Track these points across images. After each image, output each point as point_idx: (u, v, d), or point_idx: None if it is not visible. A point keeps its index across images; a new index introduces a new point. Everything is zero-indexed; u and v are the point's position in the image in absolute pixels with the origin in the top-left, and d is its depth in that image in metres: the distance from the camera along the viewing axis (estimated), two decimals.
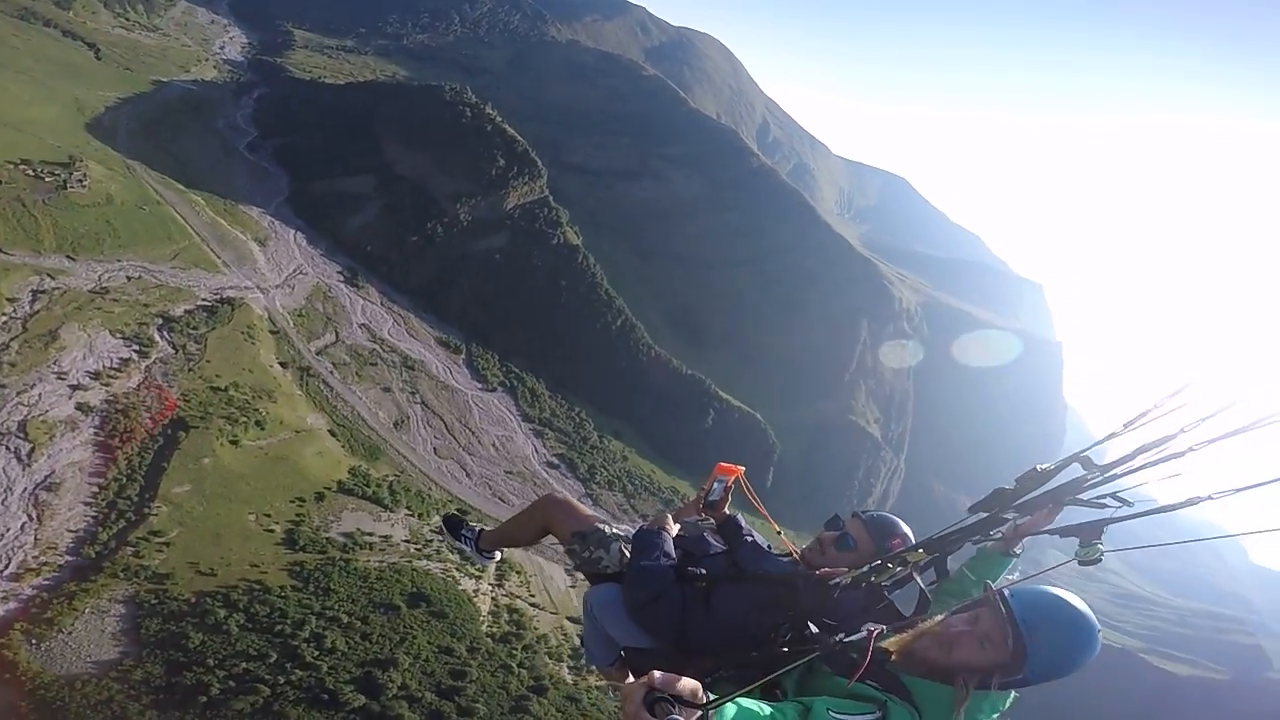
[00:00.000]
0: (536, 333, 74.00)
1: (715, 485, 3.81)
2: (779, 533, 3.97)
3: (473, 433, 62.09)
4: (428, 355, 66.07)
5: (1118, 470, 2.34)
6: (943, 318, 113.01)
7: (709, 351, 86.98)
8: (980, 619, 2.52)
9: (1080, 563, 2.43)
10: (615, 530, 3.88)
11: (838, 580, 2.99)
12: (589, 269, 79.63)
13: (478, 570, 48.74)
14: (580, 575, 3.99)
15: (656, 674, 1.75)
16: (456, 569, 47.40)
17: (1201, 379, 2.35)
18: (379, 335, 64.98)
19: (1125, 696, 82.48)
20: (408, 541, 47.87)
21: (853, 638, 2.53)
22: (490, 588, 48.78)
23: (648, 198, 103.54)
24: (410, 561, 45.80)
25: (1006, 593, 2.51)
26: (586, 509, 4.09)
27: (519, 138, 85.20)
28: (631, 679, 3.37)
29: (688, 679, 1.78)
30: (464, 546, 4.73)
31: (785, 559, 3.48)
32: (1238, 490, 2.19)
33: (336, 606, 38.36)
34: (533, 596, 50.26)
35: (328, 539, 44.12)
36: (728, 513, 3.90)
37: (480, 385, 66.60)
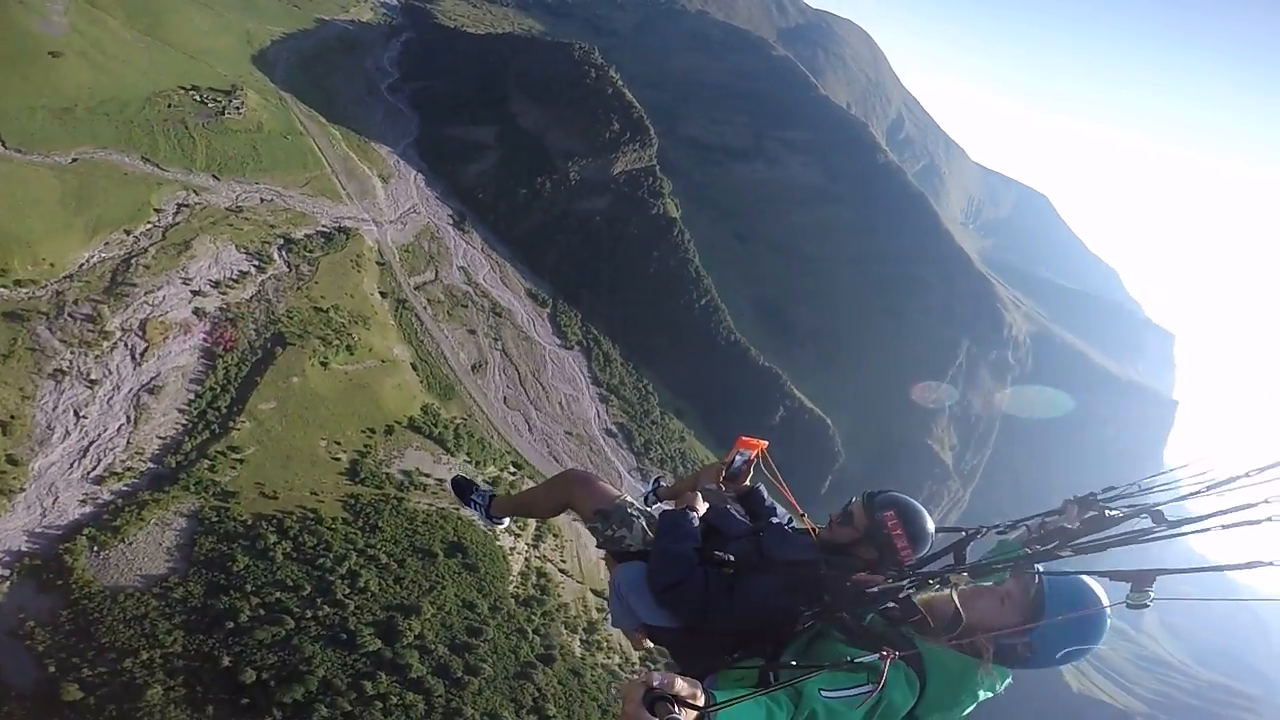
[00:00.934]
0: (621, 298, 70.77)
1: (737, 458, 3.65)
2: (802, 515, 3.61)
3: (543, 387, 60.50)
4: (516, 305, 64.77)
5: (1185, 530, 2.25)
6: (1054, 353, 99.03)
7: (792, 346, 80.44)
8: (1007, 582, 2.56)
9: (1129, 606, 2.29)
10: (640, 507, 3.74)
11: (873, 589, 2.80)
12: (683, 244, 74.81)
13: (518, 528, 47.55)
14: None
15: (656, 675, 1.68)
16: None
17: None
18: (474, 279, 64.23)
19: None
20: (482, 526, 46.96)
21: (866, 659, 2.26)
22: (526, 548, 47.24)
23: (758, 179, 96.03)
24: (457, 509, 44.85)
25: (1046, 575, 2.52)
26: (609, 485, 3.85)
27: (636, 104, 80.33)
28: (649, 645, 3.46)
29: (687, 679, 1.72)
30: (473, 511, 4.47)
31: (807, 541, 3.30)
32: None
33: (379, 545, 37.57)
34: (564, 563, 47.96)
35: (387, 475, 43.77)
36: (748, 485, 3.76)
37: (559, 342, 64.70)
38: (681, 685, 1.66)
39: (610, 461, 58.24)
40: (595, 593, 46.52)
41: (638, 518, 3.58)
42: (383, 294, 56.76)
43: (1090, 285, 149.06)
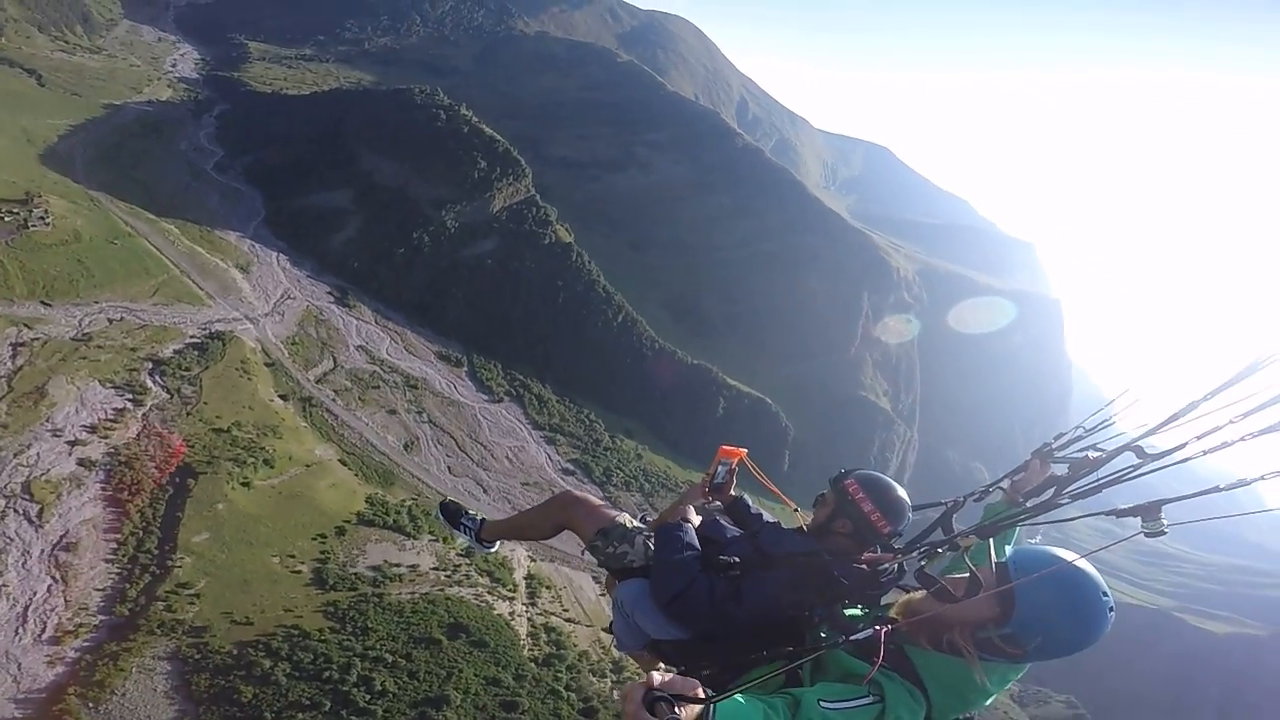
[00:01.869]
0: (537, 336, 73.20)
1: (719, 469, 3.86)
2: (795, 510, 4.04)
3: (484, 447, 61.41)
4: (429, 372, 65.04)
5: (1168, 460, 2.42)
6: (941, 284, 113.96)
7: (712, 339, 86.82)
8: (980, 570, 2.58)
9: (1146, 535, 2.39)
10: (637, 523, 3.93)
11: (884, 566, 3.07)
12: (584, 266, 78.83)
13: (509, 591, 48.90)
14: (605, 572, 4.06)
15: (656, 675, 1.78)
16: (489, 593, 47.24)
17: (1257, 366, 2.44)
18: (377, 356, 63.79)
19: (1163, 656, 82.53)
20: (436, 569, 47.44)
21: (860, 636, 2.47)
22: (524, 608, 48.61)
23: (635, 187, 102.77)
24: (442, 590, 45.40)
25: (1007, 548, 2.64)
26: (605, 504, 4.13)
27: (498, 137, 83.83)
28: (661, 665, 3.52)
29: (687, 678, 1.82)
30: (463, 536, 4.75)
31: (803, 535, 3.56)
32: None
33: (379, 646, 38.15)
34: (566, 611, 50.26)
35: (356, 574, 43.54)
36: (734, 494, 4.00)
37: (486, 397, 65.82)
38: (682, 685, 1.79)
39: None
40: (607, 631, 48.52)
41: (638, 534, 3.77)
42: (283, 397, 55.20)
43: (947, 218, 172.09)
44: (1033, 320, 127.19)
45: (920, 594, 2.74)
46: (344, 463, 52.59)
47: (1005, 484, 3.69)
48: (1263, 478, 2.20)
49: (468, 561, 49.29)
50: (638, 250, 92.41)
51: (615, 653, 47.16)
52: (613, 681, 44.99)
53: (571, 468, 64.16)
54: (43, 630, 32.74)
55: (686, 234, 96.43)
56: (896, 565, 3.10)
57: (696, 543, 3.46)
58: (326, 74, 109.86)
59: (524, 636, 45.17)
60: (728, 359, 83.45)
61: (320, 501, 47.87)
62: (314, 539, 44.56)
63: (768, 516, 3.91)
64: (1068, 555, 2.51)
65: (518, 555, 52.65)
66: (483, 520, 4.80)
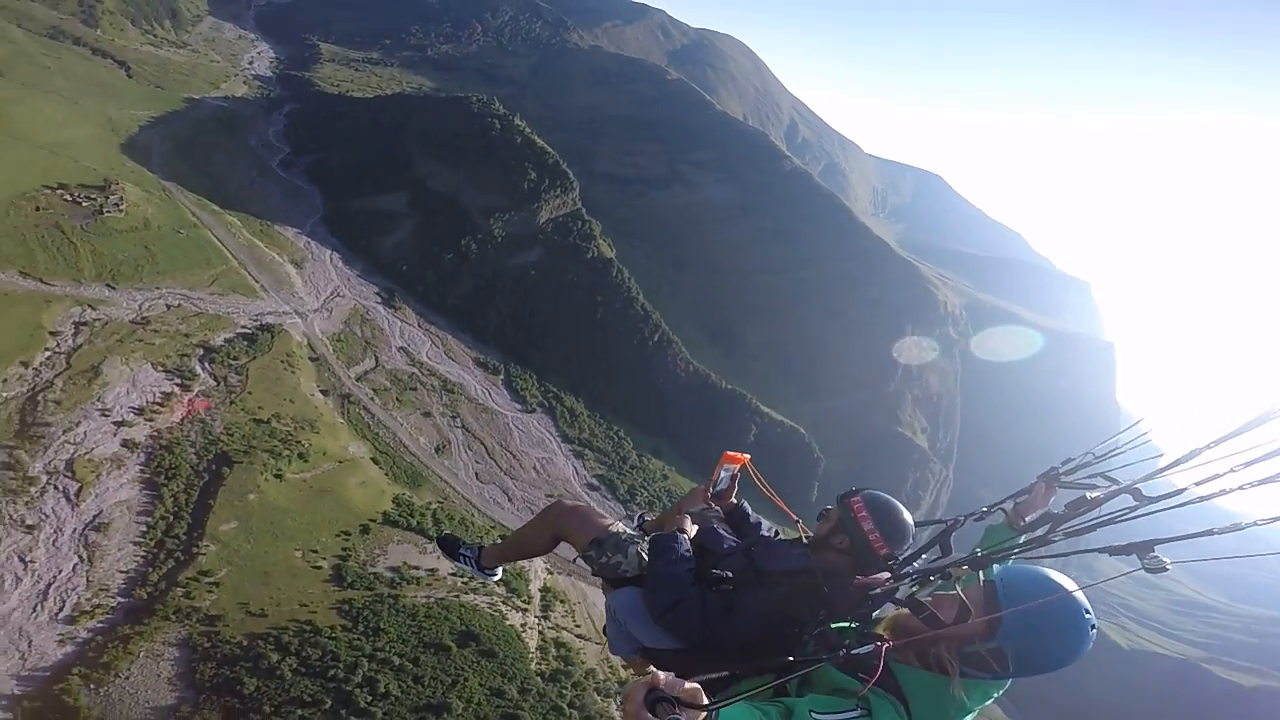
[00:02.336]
0: (574, 350, 72.79)
1: (722, 474, 3.87)
2: (797, 521, 3.96)
3: (514, 456, 61.06)
4: (467, 377, 65.20)
5: (1163, 505, 2.46)
6: (988, 320, 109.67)
7: (748, 364, 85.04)
8: (969, 587, 2.60)
9: (1147, 571, 2.37)
10: (631, 530, 3.92)
11: (877, 590, 3.00)
12: (624, 283, 78.19)
13: (523, 602, 48.30)
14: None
15: (661, 675, 1.77)
16: (503, 603, 46.69)
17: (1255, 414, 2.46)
18: (418, 358, 64.26)
19: (1190, 705, 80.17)
20: (454, 574, 47.04)
21: (861, 650, 2.44)
22: (537, 620, 47.91)
23: (679, 205, 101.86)
24: (458, 596, 45.01)
25: (1003, 559, 2.64)
26: (599, 513, 4.07)
27: (549, 149, 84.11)
28: (653, 669, 3.26)
29: (690, 682, 1.81)
30: (464, 566, 4.70)
31: (798, 551, 3.49)
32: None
33: (388, 648, 38.00)
34: (578, 627, 49.35)
35: (375, 574, 43.56)
36: (734, 501, 4.01)
37: (520, 407, 65.56)
38: (685, 687, 1.76)
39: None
40: (627, 663, 47.66)
41: (632, 543, 3.77)
42: (324, 392, 55.96)
43: (999, 251, 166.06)
44: (1083, 363, 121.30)
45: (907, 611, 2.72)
46: (376, 461, 52.86)
47: (1008, 505, 3.65)
48: (1255, 523, 2.25)
49: (481, 541, 48.82)
50: (678, 269, 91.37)
51: (622, 674, 46.12)
52: (618, 703, 44.01)
53: (597, 483, 63.31)
54: (60, 609, 33.33)
55: (728, 256, 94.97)
56: (887, 589, 3.02)
57: (691, 555, 3.49)
58: (390, 78, 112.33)
59: (533, 649, 44.65)
60: (762, 386, 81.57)
61: (349, 498, 48.09)
62: (338, 535, 44.76)
63: (766, 525, 3.91)
64: (1055, 574, 2.53)
65: (535, 567, 51.95)
66: (481, 548, 4.76)
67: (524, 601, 48.44)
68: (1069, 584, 2.54)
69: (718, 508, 4.00)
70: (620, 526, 3.97)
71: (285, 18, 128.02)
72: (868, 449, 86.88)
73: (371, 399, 57.84)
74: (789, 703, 2.38)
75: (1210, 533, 2.26)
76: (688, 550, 3.51)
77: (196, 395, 48.06)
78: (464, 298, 72.06)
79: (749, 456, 3.92)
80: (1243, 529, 2.24)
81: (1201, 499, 2.33)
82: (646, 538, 3.86)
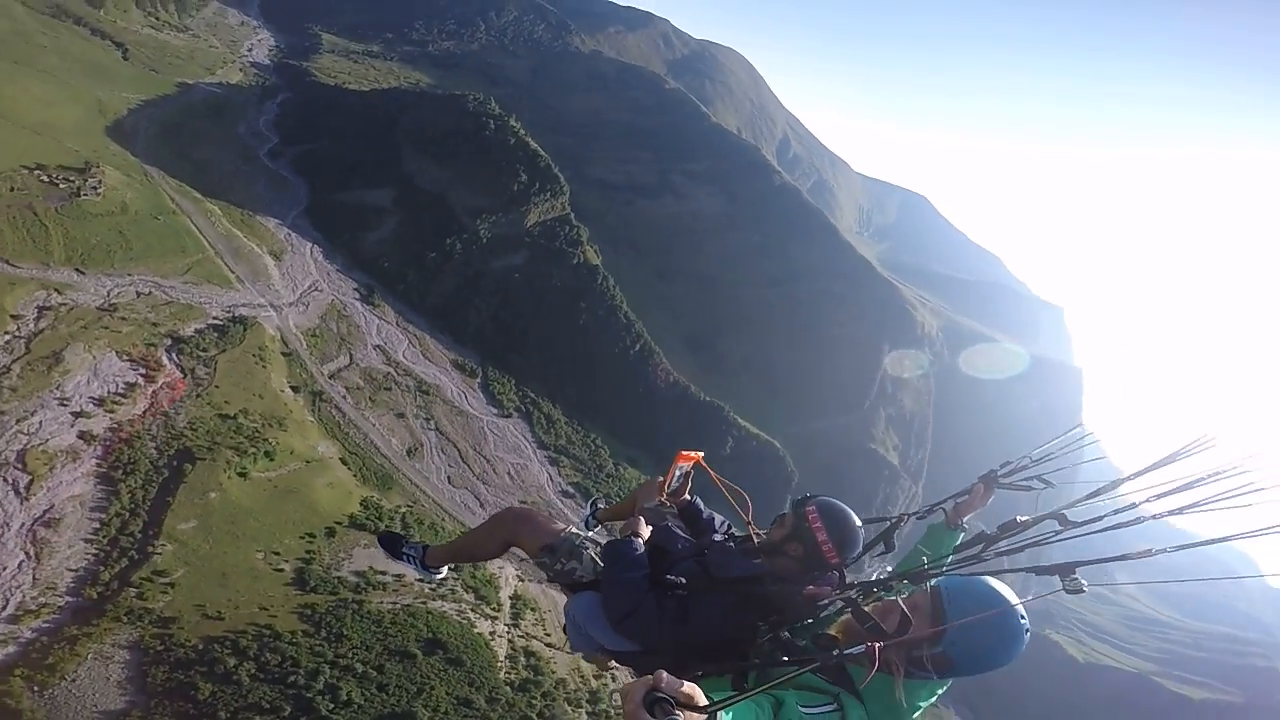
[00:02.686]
0: (553, 356, 71.64)
1: (676, 472, 3.88)
2: (748, 521, 3.96)
3: (487, 461, 59.80)
4: (443, 379, 63.75)
5: (1088, 529, 2.63)
6: (964, 342, 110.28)
7: (727, 377, 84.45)
8: (914, 594, 2.76)
9: (1067, 591, 2.47)
10: (585, 533, 3.93)
11: (825, 601, 3.09)
12: (609, 290, 77.23)
13: (493, 610, 47.20)
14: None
15: (665, 676, 1.77)
16: (472, 610, 45.64)
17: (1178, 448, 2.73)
18: (394, 358, 62.70)
19: (1141, 716, 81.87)
20: (421, 580, 45.65)
21: (853, 651, 2.47)
22: (506, 629, 46.81)
23: (668, 214, 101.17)
24: (425, 603, 43.88)
25: (940, 575, 2.74)
26: (551, 519, 4.03)
27: (542, 152, 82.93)
28: (614, 664, 3.70)
29: (691, 684, 1.82)
30: (407, 565, 4.59)
31: (749, 556, 3.53)
32: (1219, 539, 2.39)
33: (350, 655, 36.83)
34: (549, 636, 48.31)
35: (339, 579, 42.24)
36: (687, 498, 4.03)
37: (496, 411, 64.28)
38: (687, 689, 1.76)
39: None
40: (589, 661, 46.83)
41: (586, 548, 3.75)
42: (294, 388, 54.26)
43: (979, 274, 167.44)
44: (1051, 387, 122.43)
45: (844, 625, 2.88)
46: (345, 462, 51.38)
47: (948, 505, 3.73)
48: (1166, 549, 2.31)
49: (455, 576, 47.66)
50: (663, 279, 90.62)
51: (593, 683, 45.23)
52: (588, 712, 43.22)
53: (571, 490, 62.22)
54: (3, 607, 31.80)
55: (713, 268, 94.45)
56: (835, 600, 3.11)
57: (645, 560, 3.48)
58: (389, 72, 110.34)
59: (502, 658, 43.73)
60: (739, 398, 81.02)
61: (315, 499, 46.59)
62: (302, 538, 43.33)
63: (719, 521, 3.96)
64: (995, 584, 2.66)
65: (506, 574, 50.87)
66: (425, 546, 4.64)
67: (493, 609, 47.35)
68: (1008, 593, 2.65)
69: (671, 505, 3.98)
70: (572, 530, 3.91)
71: (290, 6, 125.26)
72: (841, 464, 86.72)
73: (344, 398, 56.28)
74: (779, 695, 2.47)
75: (1125, 557, 2.34)
76: (642, 554, 3.51)
77: (163, 385, 46.34)
78: (445, 298, 70.61)
79: (702, 454, 3.93)
80: (1153, 555, 2.29)
81: (1115, 526, 2.51)
82: (598, 531, 3.99)
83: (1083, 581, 2.43)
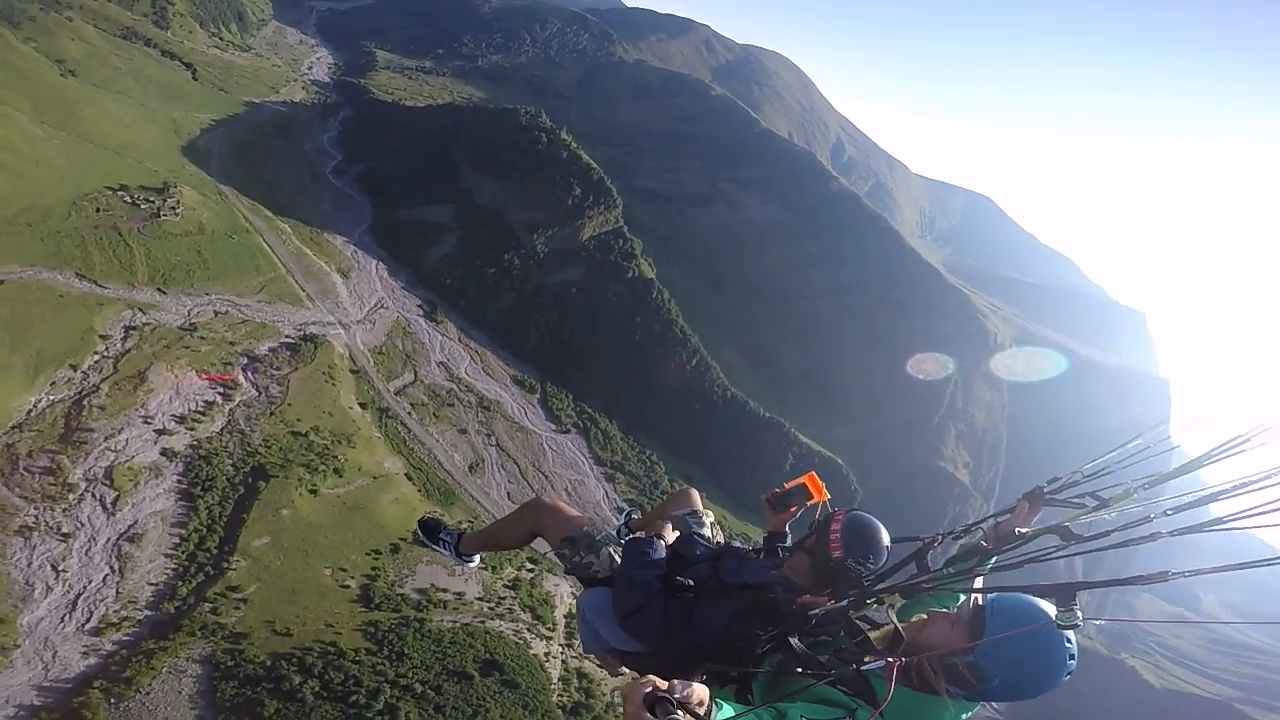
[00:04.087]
0: (610, 371, 71.37)
1: (796, 491, 3.80)
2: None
3: (546, 477, 59.86)
4: (504, 395, 64.30)
5: (1095, 544, 2.41)
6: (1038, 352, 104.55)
7: (787, 392, 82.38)
8: (961, 607, 2.71)
9: (1060, 626, 2.36)
10: (607, 531, 3.94)
11: (816, 610, 3.01)
12: (664, 304, 76.51)
13: (548, 630, 47.03)
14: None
15: (677, 682, 1.77)
16: (528, 630, 45.52)
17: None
18: (456, 374, 63.64)
19: None
20: (480, 599, 46.12)
21: (871, 666, 2.47)
22: (560, 649, 46.53)
23: (721, 224, 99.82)
24: (483, 622, 44.05)
25: (995, 594, 2.62)
26: (576, 511, 4.05)
27: (594, 165, 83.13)
28: (624, 669, 3.63)
29: (698, 686, 1.82)
30: (443, 551, 4.67)
31: (764, 564, 3.51)
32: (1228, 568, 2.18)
33: (410, 674, 37.26)
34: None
35: (402, 596, 42.84)
36: (790, 517, 3.90)
37: (554, 427, 64.37)
38: (691, 691, 1.76)
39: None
40: (600, 663, 46.62)
41: (604, 545, 3.78)
42: (362, 405, 55.59)
43: (1051, 278, 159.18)
44: (1136, 399, 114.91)
45: (880, 632, 2.72)
46: (409, 477, 52.24)
47: (988, 524, 3.50)
48: (1184, 573, 2.11)
49: (513, 594, 47.97)
50: (717, 290, 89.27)
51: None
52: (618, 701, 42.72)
53: (625, 507, 61.56)
54: (87, 620, 33.27)
55: (769, 278, 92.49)
56: (829, 610, 2.97)
57: (663, 561, 3.48)
58: (442, 87, 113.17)
59: (555, 680, 43.40)
60: (800, 413, 78.85)
61: (381, 516, 47.42)
62: (368, 554, 44.09)
63: (737, 543, 3.89)
64: (1047, 606, 2.46)
65: (561, 591, 50.66)
66: (460, 534, 4.74)
67: (548, 629, 47.21)
68: (1053, 612, 2.45)
69: (774, 523, 3.93)
70: (595, 526, 3.93)
71: (344, 24, 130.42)
72: (906, 481, 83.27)
73: (409, 414, 57.31)
74: (782, 707, 2.40)
75: (1137, 580, 2.15)
76: (661, 556, 3.52)
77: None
78: (504, 313, 71.33)
79: (828, 497, 3.83)
80: (1169, 579, 2.11)
81: (1124, 543, 2.25)
82: (623, 537, 3.91)
83: (1077, 611, 2.28)
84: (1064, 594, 2.32)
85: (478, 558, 4.75)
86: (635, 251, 79.62)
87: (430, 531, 4.76)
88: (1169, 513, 2.27)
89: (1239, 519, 2.06)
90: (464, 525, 4.61)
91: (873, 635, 2.75)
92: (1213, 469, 2.37)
